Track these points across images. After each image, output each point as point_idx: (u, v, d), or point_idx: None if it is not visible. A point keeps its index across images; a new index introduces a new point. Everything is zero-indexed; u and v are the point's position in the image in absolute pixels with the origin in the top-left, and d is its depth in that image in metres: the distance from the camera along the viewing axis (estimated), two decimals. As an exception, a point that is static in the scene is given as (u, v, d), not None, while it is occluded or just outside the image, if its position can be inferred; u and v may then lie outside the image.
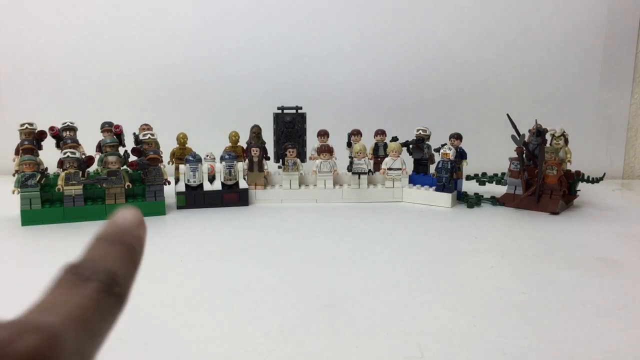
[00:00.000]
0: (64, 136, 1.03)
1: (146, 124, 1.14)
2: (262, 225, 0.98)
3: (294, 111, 1.19)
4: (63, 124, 1.04)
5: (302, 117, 1.20)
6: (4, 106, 1.43)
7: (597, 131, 1.46)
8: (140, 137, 1.06)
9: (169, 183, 1.09)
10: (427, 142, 1.20)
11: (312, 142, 1.22)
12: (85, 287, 0.19)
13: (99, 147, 1.08)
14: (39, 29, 1.39)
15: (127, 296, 0.20)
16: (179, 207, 1.08)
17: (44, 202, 0.97)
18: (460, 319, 0.59)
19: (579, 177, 1.12)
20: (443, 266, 0.76)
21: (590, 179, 1.16)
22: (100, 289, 0.19)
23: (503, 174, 1.17)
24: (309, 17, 1.41)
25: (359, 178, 1.15)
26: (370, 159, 1.19)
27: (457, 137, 1.14)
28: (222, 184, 1.10)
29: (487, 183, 1.21)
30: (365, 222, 1.00)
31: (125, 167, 1.03)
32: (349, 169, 1.16)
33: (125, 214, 0.22)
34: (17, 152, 1.01)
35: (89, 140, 1.11)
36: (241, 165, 1.13)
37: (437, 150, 1.14)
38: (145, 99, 1.43)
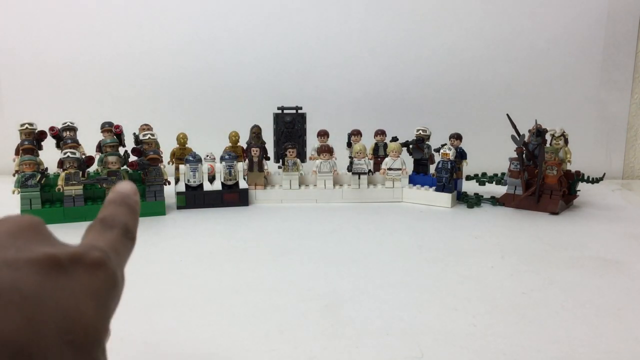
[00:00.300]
0: (64, 136, 1.03)
1: (146, 124, 1.14)
2: (262, 225, 0.98)
3: (294, 111, 1.19)
4: (63, 124, 1.04)
5: (302, 117, 1.20)
6: (4, 106, 1.43)
7: (597, 131, 1.46)
8: (140, 137, 1.06)
9: (169, 183, 1.09)
10: (427, 142, 1.20)
11: (312, 142, 1.22)
12: (112, 231, 0.28)
13: (99, 147, 1.08)
14: (39, 29, 1.39)
15: (135, 239, 0.30)
16: (179, 207, 1.08)
17: (44, 202, 0.97)
18: (460, 319, 0.59)
19: (579, 177, 1.12)
20: (443, 266, 0.76)
21: (590, 179, 1.16)
22: (121, 233, 0.29)
23: (503, 174, 1.17)
24: (309, 17, 1.41)
25: (359, 178, 1.15)
26: (370, 159, 1.19)
27: (457, 137, 1.14)
28: (222, 184, 1.11)
29: (487, 183, 1.21)
30: (365, 222, 1.00)
31: (125, 167, 1.03)
32: (349, 169, 1.16)
33: (124, 185, 0.32)
34: (17, 152, 1.01)
35: (89, 140, 1.11)
36: (241, 165, 1.13)
37: (437, 150, 1.14)
38: (146, 99, 1.43)
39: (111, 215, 0.29)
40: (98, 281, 0.25)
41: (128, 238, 0.29)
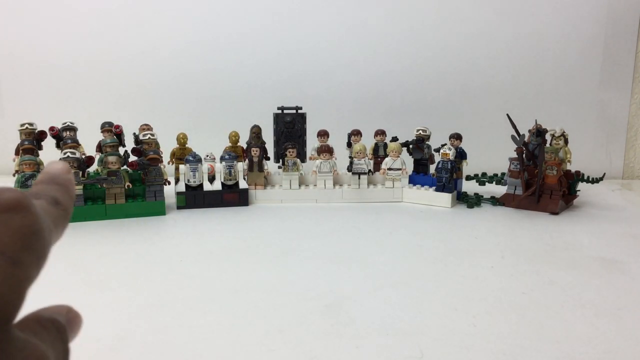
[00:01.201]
0: (64, 136, 1.03)
1: (146, 124, 1.14)
2: (262, 225, 0.98)
3: (294, 111, 1.19)
4: (63, 124, 1.04)
5: (302, 117, 1.20)
6: (4, 106, 1.43)
7: (597, 131, 1.46)
8: (140, 137, 1.06)
9: (169, 183, 1.09)
10: (427, 142, 1.20)
11: (312, 142, 1.22)
12: (39, 200, 0.26)
13: (99, 147, 1.08)
14: (39, 29, 1.39)
15: (70, 213, 0.28)
16: (179, 207, 1.08)
17: (44, 202, 0.97)
18: (460, 319, 0.59)
19: (579, 177, 1.12)
20: (443, 266, 0.76)
21: (590, 179, 1.16)
22: (48, 202, 0.26)
23: (503, 174, 1.17)
24: (309, 17, 1.41)
25: (359, 178, 1.15)
26: (370, 159, 1.19)
27: (457, 137, 1.14)
28: (222, 184, 1.11)
29: (487, 183, 1.21)
30: (365, 222, 1.00)
31: (125, 167, 1.03)
32: (349, 169, 1.16)
33: (55, 165, 0.29)
34: (17, 152, 1.01)
35: (89, 140, 1.11)
36: (241, 165, 1.13)
37: (437, 150, 1.14)
38: (146, 99, 1.43)
39: (38, 191, 0.27)
40: (11, 229, 0.21)
41: (59, 208, 0.27)
